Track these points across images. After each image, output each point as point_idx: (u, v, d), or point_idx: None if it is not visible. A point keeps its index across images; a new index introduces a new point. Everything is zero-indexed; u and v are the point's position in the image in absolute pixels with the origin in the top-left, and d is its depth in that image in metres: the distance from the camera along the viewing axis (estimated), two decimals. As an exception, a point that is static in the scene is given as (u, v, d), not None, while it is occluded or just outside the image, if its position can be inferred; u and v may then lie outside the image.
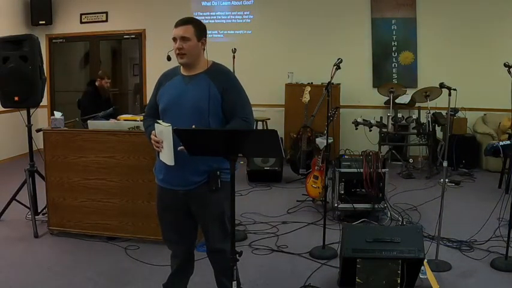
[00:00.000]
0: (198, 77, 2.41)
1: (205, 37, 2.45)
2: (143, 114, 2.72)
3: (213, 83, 2.37)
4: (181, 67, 2.47)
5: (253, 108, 2.51)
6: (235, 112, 2.38)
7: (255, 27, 7.92)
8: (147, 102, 2.66)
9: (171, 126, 2.26)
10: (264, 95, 7.44)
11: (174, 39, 2.39)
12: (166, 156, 2.34)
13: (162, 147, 2.35)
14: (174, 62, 2.53)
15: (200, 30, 2.41)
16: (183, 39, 2.36)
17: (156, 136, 2.37)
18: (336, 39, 7.53)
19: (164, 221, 2.58)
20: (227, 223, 2.42)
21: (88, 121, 4.21)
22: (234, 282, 2.14)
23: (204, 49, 2.45)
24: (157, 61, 6.68)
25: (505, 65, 3.45)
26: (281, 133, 7.20)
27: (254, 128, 2.89)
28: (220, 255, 2.47)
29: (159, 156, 2.44)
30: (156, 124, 2.36)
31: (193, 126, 2.26)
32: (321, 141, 6.22)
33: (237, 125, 2.36)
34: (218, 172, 2.37)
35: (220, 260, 2.50)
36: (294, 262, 3.60)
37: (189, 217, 2.51)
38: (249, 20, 7.96)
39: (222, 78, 2.41)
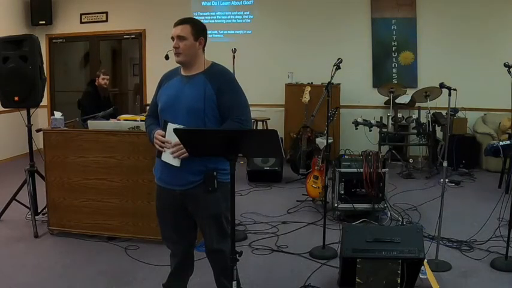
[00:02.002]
0: (196, 77, 2.41)
1: (204, 37, 2.44)
2: (144, 114, 2.73)
3: (210, 83, 2.36)
4: (182, 67, 2.48)
5: (253, 108, 2.50)
6: (230, 113, 2.36)
7: (255, 27, 7.92)
8: (147, 102, 2.66)
9: (184, 128, 2.27)
10: (264, 95, 7.45)
11: (172, 38, 2.40)
12: (173, 157, 2.33)
13: (168, 148, 2.34)
14: (173, 62, 2.53)
15: (197, 29, 2.41)
16: (180, 38, 2.37)
17: (163, 136, 2.36)
18: (336, 39, 7.54)
19: (163, 220, 2.58)
20: (225, 224, 2.42)
21: (88, 121, 4.22)
22: (234, 282, 2.14)
23: (202, 49, 2.45)
24: (157, 61, 6.68)
25: (505, 65, 3.45)
26: (281, 133, 7.19)
27: (253, 128, 2.88)
28: (218, 255, 2.47)
29: (158, 156, 2.43)
30: (169, 124, 2.35)
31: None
32: (321, 141, 6.23)
33: (231, 126, 2.33)
34: (215, 173, 2.36)
35: (219, 261, 2.50)
36: (294, 262, 3.60)
37: (187, 217, 2.51)
38: (249, 20, 7.96)
39: (219, 79, 2.40)
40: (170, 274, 2.67)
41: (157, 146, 2.40)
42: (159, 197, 2.54)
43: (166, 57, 2.53)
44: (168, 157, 2.37)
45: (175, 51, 2.39)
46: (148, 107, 2.64)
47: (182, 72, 2.46)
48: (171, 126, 2.33)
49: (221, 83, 2.38)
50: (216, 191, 2.37)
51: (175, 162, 2.33)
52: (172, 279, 2.67)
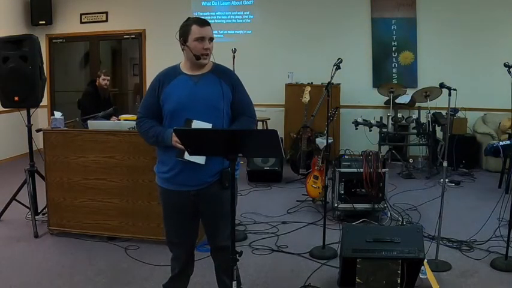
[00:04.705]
0: (207, 76, 2.41)
1: None
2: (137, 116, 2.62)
3: (224, 82, 2.40)
4: (183, 66, 2.46)
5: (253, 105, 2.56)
6: (243, 110, 2.45)
7: (255, 27, 7.92)
8: (143, 103, 2.58)
9: (211, 125, 2.29)
10: (264, 95, 7.45)
11: (202, 38, 2.35)
12: (198, 156, 2.31)
13: None
14: (174, 61, 2.53)
15: None
16: (211, 39, 2.39)
17: None
18: (336, 39, 7.54)
19: (171, 225, 2.55)
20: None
21: (88, 121, 4.22)
22: (234, 282, 2.14)
23: None
24: (157, 61, 6.68)
25: (505, 65, 3.45)
26: (281, 133, 7.20)
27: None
28: (226, 252, 2.45)
29: (178, 156, 2.34)
30: (194, 121, 2.31)
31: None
32: (321, 141, 6.23)
33: (245, 122, 2.42)
34: (229, 168, 2.36)
35: (225, 258, 2.47)
36: (294, 262, 3.60)
37: (194, 218, 2.51)
38: (249, 20, 7.96)
39: (229, 77, 2.45)
40: (172, 277, 2.66)
41: (179, 146, 2.29)
42: (169, 201, 2.50)
43: (198, 58, 2.45)
44: (190, 156, 2.29)
45: (205, 52, 2.36)
46: (142, 108, 2.52)
47: (185, 71, 2.44)
48: (197, 124, 2.30)
49: (233, 81, 2.45)
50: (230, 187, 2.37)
51: (201, 160, 2.32)
52: (174, 281, 2.66)
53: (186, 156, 2.32)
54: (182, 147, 2.28)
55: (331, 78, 3.84)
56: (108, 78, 5.78)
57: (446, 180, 3.61)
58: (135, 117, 4.24)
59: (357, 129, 6.52)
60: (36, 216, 4.27)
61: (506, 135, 6.25)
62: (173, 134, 2.32)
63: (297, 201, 5.15)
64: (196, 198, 2.42)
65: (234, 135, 2.07)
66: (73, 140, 3.95)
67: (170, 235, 2.58)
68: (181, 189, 2.42)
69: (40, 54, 4.40)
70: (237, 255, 2.14)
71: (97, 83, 5.76)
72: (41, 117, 7.67)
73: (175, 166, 2.40)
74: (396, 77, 7.57)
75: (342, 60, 3.89)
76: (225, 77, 2.43)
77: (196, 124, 2.30)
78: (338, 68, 3.88)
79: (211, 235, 2.54)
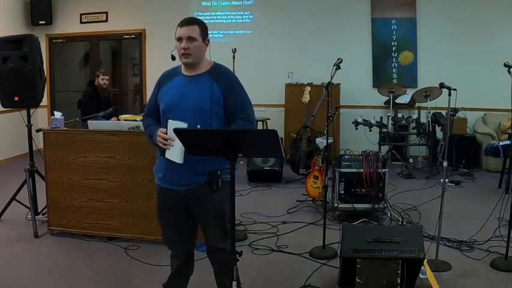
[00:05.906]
0: (201, 77, 2.41)
1: (208, 37, 2.46)
2: (143, 114, 2.71)
3: (216, 83, 2.37)
4: (182, 67, 2.47)
5: (253, 108, 2.51)
6: (238, 113, 2.39)
7: (255, 27, 7.92)
8: (147, 102, 2.65)
9: (187, 125, 2.27)
10: (264, 95, 7.44)
11: (180, 39, 2.37)
12: (176, 155, 2.32)
13: (172, 146, 2.33)
14: (176, 61, 2.53)
15: (204, 30, 2.42)
16: (190, 39, 2.35)
17: (166, 133, 2.34)
18: (336, 39, 7.54)
19: (164, 221, 2.58)
20: (227, 222, 2.42)
21: (88, 121, 4.22)
22: (234, 282, 2.14)
23: (206, 49, 2.45)
24: (157, 61, 6.69)
25: (505, 65, 3.45)
26: (281, 133, 7.20)
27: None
28: (220, 254, 2.47)
29: (162, 155, 2.41)
30: (169, 121, 2.33)
31: (198, 126, 2.26)
32: (321, 141, 6.22)
33: (240, 125, 2.36)
34: (219, 172, 2.36)
35: (220, 260, 2.49)
36: (294, 262, 3.60)
37: (189, 217, 2.51)
38: (249, 20, 7.96)
39: (224, 79, 2.41)
40: (171, 275, 2.67)
41: (160, 145, 2.36)
42: (161, 198, 2.53)
43: (173, 58, 2.48)
44: (171, 154, 2.35)
45: (183, 51, 2.36)
46: (146, 107, 2.61)
47: (184, 72, 2.45)
48: (171, 124, 2.32)
49: (227, 83, 2.40)
50: (220, 190, 2.38)
51: (179, 159, 2.32)
52: (173, 279, 2.67)
53: (166, 154, 2.37)
54: (164, 146, 2.34)
55: (331, 78, 3.85)
56: (107, 77, 5.79)
57: (446, 180, 3.61)
58: (135, 117, 4.29)
59: (357, 129, 6.51)
60: (36, 216, 4.27)
61: (506, 135, 6.25)
62: (157, 133, 2.37)
63: (297, 201, 5.15)
64: (186, 198, 2.43)
65: (234, 135, 2.07)
66: (73, 140, 3.95)
67: (165, 233, 2.60)
68: (172, 188, 2.44)
69: (40, 54, 4.40)
70: (237, 255, 2.14)
71: (96, 83, 5.76)
72: (41, 117, 7.67)
73: (164, 165, 2.43)
74: (396, 77, 7.57)
75: (342, 60, 3.89)
76: (219, 78, 2.40)
77: (172, 124, 2.31)
78: (338, 68, 3.88)
79: (205, 236, 2.55)
